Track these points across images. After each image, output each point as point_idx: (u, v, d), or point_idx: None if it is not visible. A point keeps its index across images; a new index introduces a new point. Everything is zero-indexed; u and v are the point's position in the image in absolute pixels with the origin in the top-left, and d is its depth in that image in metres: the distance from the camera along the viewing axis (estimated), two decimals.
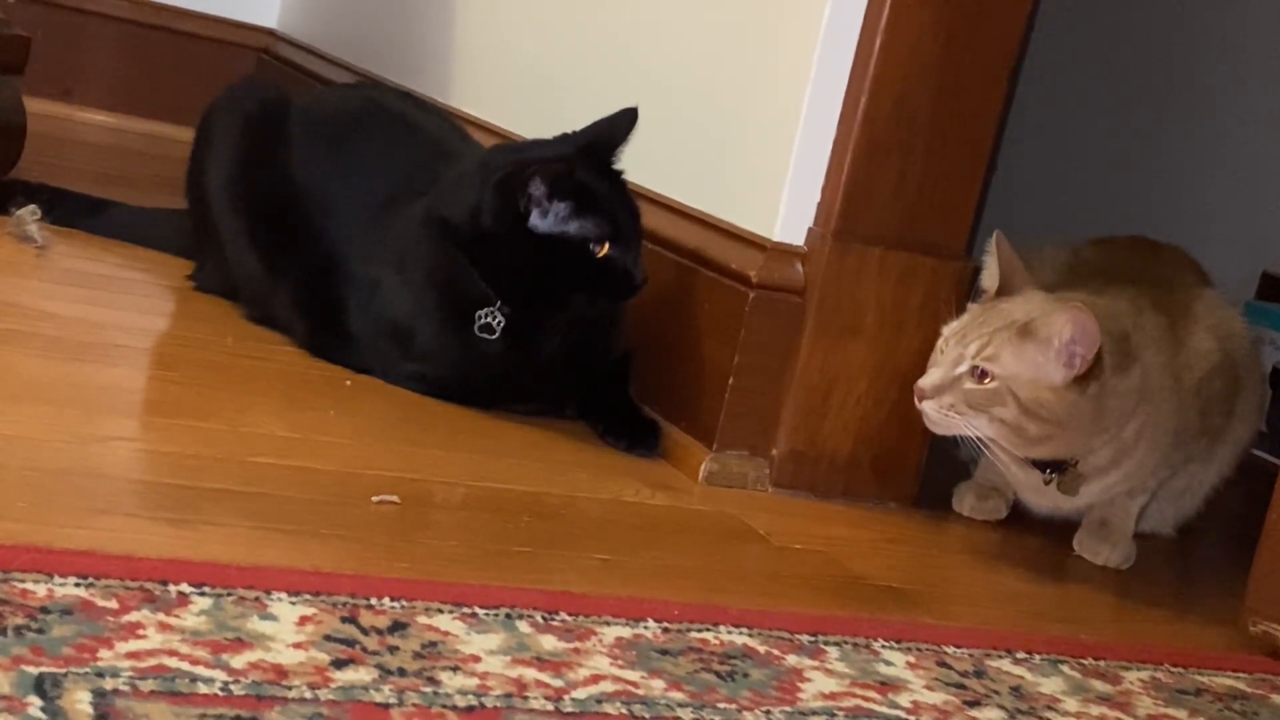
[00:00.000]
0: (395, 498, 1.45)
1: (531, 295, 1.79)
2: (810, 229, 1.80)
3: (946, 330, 1.71)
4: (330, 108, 2.05)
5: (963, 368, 1.66)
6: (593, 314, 1.82)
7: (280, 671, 1.04)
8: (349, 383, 1.82)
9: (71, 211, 2.20)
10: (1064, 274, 1.90)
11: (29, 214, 2.08)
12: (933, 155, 1.82)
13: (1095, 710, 1.34)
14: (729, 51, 1.92)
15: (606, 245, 1.77)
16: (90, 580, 1.10)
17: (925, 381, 1.67)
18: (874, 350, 1.82)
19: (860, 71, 1.77)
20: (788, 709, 1.19)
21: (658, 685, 1.17)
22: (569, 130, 1.85)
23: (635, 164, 1.84)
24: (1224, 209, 3.19)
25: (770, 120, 1.83)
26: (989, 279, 1.77)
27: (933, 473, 1.91)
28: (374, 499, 1.43)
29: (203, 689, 0.99)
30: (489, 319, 1.80)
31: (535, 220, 1.76)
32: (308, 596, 1.16)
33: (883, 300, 1.82)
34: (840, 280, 1.79)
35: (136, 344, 1.82)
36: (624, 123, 1.82)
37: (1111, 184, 3.42)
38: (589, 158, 1.80)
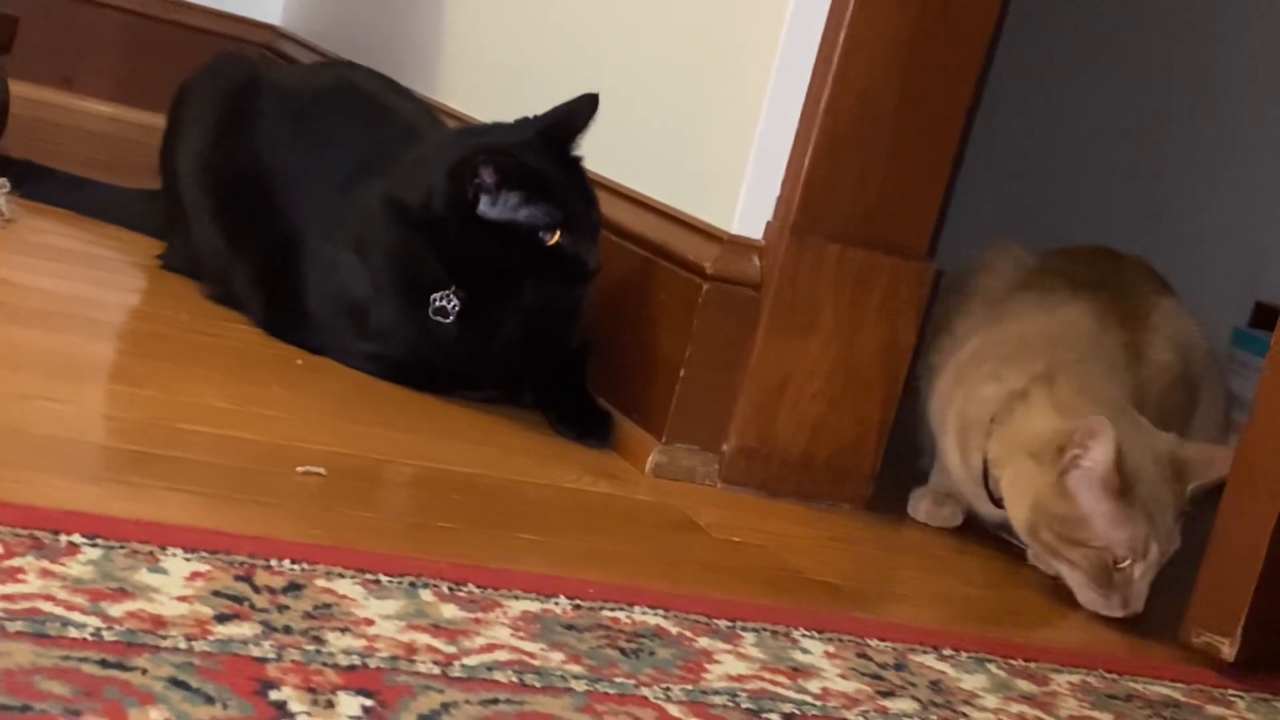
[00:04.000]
0: (321, 469, 1.43)
1: (484, 280, 1.78)
2: (769, 223, 1.78)
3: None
4: (301, 85, 2.03)
5: None
6: (547, 301, 1.81)
7: (158, 621, 1.02)
8: (300, 362, 1.81)
9: (48, 187, 2.20)
10: (1029, 274, 1.89)
11: None
12: (896, 153, 1.80)
13: (1014, 708, 1.31)
14: (691, 42, 1.91)
15: (558, 233, 1.75)
16: None
17: None
18: (830, 348, 1.79)
19: (824, 66, 1.75)
20: (688, 687, 1.16)
21: (556, 657, 1.15)
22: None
23: (595, 153, 1.82)
24: (1218, 238, 3.16)
25: (732, 112, 1.81)
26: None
27: (893, 476, 1.89)
28: (299, 469, 1.42)
29: (73, 633, 0.98)
30: (444, 302, 1.78)
31: (484, 208, 1.74)
32: (204, 554, 1.15)
33: (840, 298, 1.79)
34: (797, 275, 1.77)
35: (88, 314, 1.80)
36: (584, 109, 1.80)
37: (1106, 212, 3.39)
38: (546, 143, 1.79)
